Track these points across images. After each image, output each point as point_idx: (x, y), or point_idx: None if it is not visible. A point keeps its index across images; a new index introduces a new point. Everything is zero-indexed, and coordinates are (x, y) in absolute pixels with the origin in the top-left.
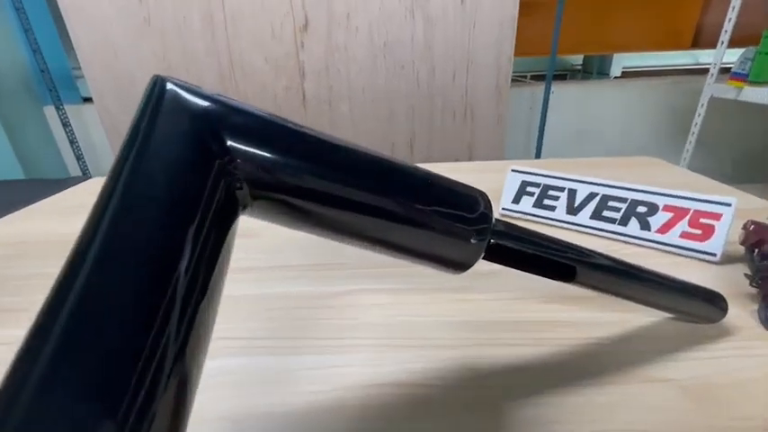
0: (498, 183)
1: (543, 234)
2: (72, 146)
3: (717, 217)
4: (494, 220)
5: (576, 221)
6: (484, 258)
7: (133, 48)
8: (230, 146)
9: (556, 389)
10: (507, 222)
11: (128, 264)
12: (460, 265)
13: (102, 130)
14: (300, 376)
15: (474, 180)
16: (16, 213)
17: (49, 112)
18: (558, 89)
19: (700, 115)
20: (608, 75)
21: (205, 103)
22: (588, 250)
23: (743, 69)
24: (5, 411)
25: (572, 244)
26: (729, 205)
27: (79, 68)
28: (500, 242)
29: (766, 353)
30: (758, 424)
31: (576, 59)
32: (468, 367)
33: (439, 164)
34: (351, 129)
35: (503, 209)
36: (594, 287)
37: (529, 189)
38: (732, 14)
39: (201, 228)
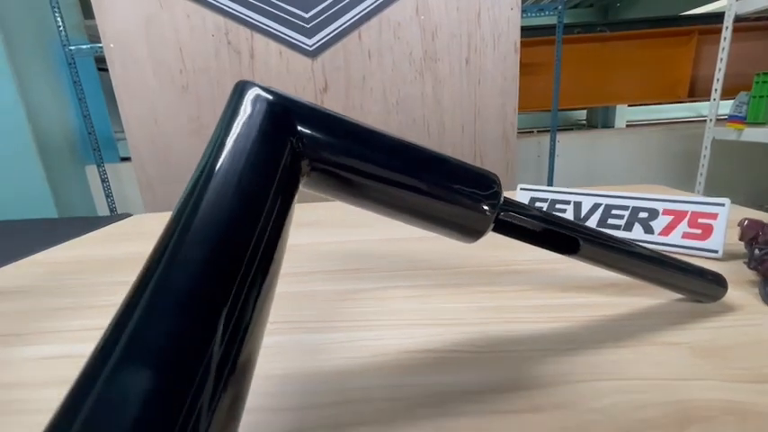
0: None
1: (548, 212)
2: (107, 199)
3: (713, 216)
4: (503, 197)
5: None
6: (495, 231)
7: (171, 113)
8: (299, 129)
9: (573, 351)
10: (516, 201)
11: (224, 213)
12: (475, 233)
13: (135, 185)
14: (342, 347)
15: None
16: (74, 240)
17: (90, 169)
18: (564, 138)
19: (705, 157)
20: (612, 128)
21: (281, 97)
22: (591, 228)
23: (740, 112)
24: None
25: (574, 222)
26: (723, 205)
27: (120, 131)
28: (508, 215)
29: None
30: (757, 373)
31: (580, 114)
32: (492, 337)
33: None
34: None
35: None
36: (599, 261)
37: (537, 204)
38: (721, 65)
39: (279, 190)
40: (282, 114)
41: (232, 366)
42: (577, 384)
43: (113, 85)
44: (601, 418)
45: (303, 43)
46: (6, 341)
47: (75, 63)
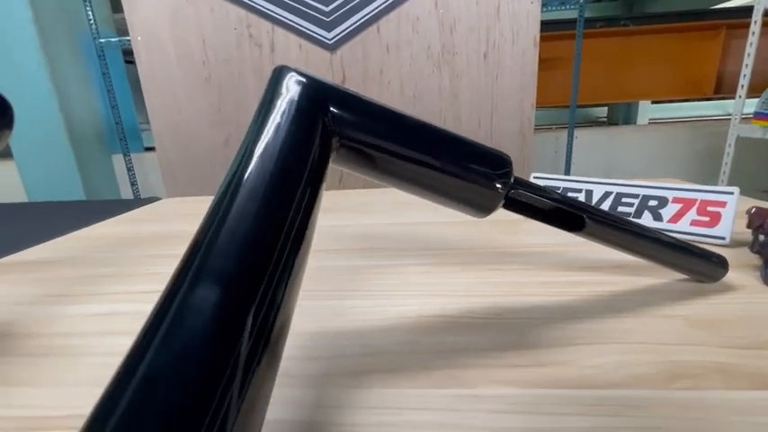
0: None
1: (555, 191)
2: (132, 187)
3: (722, 205)
4: (513, 177)
5: None
6: (506, 207)
7: (193, 103)
8: (331, 109)
9: (576, 320)
10: (527, 180)
11: (264, 185)
12: (486, 208)
13: (158, 174)
14: (366, 311)
15: None
16: (110, 219)
17: (117, 158)
18: (583, 135)
19: (729, 155)
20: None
21: (315, 81)
22: (596, 208)
23: (766, 109)
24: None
25: (580, 201)
26: (732, 194)
27: (144, 122)
28: (518, 194)
29: (766, 301)
30: (749, 341)
31: (601, 111)
32: (502, 307)
33: None
34: None
35: None
36: (603, 239)
37: None
38: (748, 61)
39: (318, 161)
40: (316, 95)
41: (273, 323)
42: (578, 346)
43: (140, 75)
44: (597, 372)
45: (323, 36)
46: (58, 301)
47: (104, 55)
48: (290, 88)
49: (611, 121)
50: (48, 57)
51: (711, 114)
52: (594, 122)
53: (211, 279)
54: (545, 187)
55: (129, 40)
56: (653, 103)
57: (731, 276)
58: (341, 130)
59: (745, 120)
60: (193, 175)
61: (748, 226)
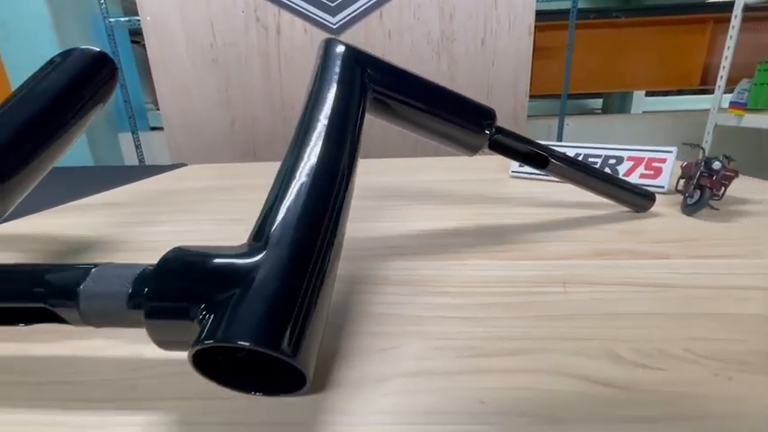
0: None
1: (527, 138)
2: (140, 164)
3: (663, 161)
4: (497, 124)
5: None
6: (489, 148)
7: (201, 84)
8: (367, 70)
9: (540, 231)
10: (507, 129)
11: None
12: (474, 148)
13: (163, 153)
14: (388, 226)
15: (492, 164)
16: (154, 177)
17: (123, 136)
18: (574, 122)
19: (707, 143)
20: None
21: (355, 49)
22: (560, 152)
23: (741, 99)
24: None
25: (549, 146)
26: (671, 152)
27: (150, 102)
28: (499, 138)
29: (683, 223)
30: (658, 240)
31: (596, 104)
32: (485, 225)
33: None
34: (382, 145)
35: (512, 171)
36: (562, 175)
37: None
38: (728, 53)
39: (359, 106)
40: (357, 58)
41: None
42: (537, 243)
43: (149, 55)
44: (545, 254)
45: (327, 21)
46: (141, 224)
47: (113, 35)
48: (339, 54)
49: (605, 112)
50: (60, 36)
51: (703, 107)
52: (589, 114)
53: (310, 170)
54: (520, 135)
55: (138, 20)
56: (647, 95)
57: (661, 209)
58: (373, 84)
59: (724, 110)
60: (200, 154)
61: (681, 176)
